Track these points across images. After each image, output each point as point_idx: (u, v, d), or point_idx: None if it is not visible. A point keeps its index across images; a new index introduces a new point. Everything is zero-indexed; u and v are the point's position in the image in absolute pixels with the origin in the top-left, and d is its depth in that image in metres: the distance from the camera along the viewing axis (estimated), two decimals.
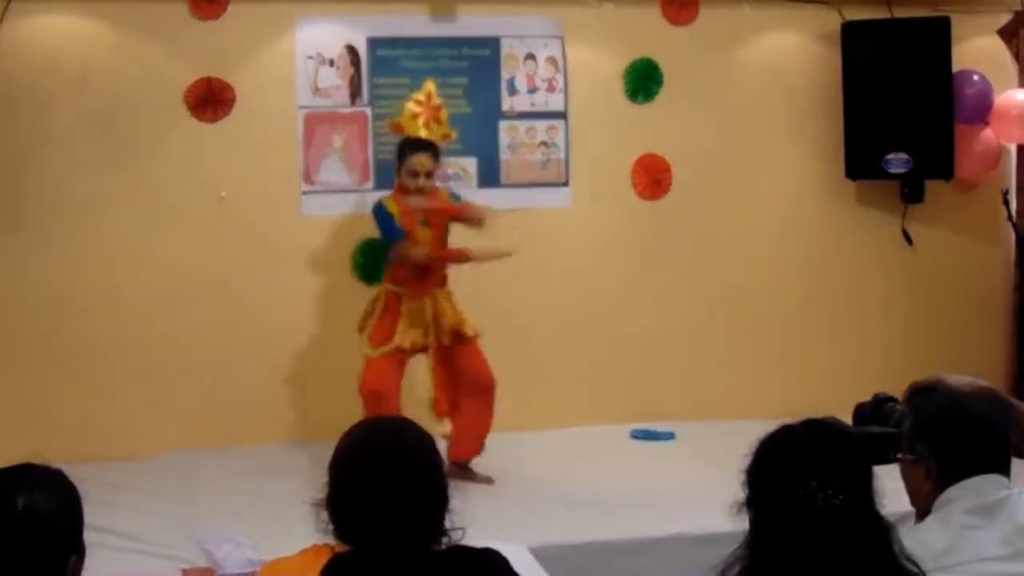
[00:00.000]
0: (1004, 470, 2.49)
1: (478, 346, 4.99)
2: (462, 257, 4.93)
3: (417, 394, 5.05)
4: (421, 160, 4.80)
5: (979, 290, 6.37)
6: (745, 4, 6.04)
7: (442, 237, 4.95)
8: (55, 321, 5.38)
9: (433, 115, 4.93)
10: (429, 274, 4.90)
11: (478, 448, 5.00)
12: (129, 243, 5.46)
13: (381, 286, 5.01)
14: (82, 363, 5.40)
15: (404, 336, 4.84)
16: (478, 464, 5.00)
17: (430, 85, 5.02)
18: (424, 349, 4.91)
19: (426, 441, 2.13)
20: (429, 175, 4.83)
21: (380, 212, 4.86)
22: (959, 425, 2.52)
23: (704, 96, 6.01)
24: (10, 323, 5.35)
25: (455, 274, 5.02)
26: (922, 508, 2.51)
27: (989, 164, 6.14)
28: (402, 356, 4.91)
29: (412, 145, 4.85)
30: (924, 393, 2.77)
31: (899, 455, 2.56)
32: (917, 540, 2.30)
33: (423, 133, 4.87)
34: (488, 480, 4.95)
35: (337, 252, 5.60)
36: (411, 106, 4.94)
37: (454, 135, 5.16)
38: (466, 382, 4.96)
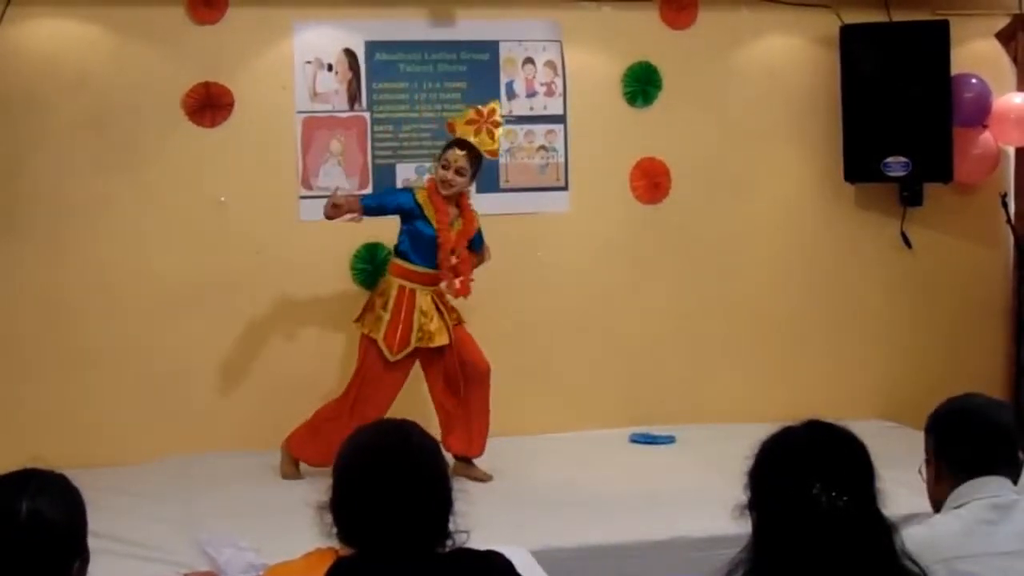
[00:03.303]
0: (1011, 476, 2.50)
1: (467, 332, 5.04)
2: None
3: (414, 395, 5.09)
4: (456, 154, 4.82)
5: (978, 293, 6.36)
6: (743, 7, 6.05)
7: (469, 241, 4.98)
8: (52, 325, 5.38)
9: (487, 128, 4.91)
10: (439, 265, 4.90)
11: (483, 444, 5.03)
12: (127, 248, 5.45)
13: (386, 280, 4.98)
14: (80, 367, 5.40)
15: (424, 336, 4.85)
16: (478, 462, 5.04)
17: (495, 105, 5.02)
18: (439, 348, 4.91)
19: (430, 444, 2.13)
20: (459, 172, 4.82)
21: (405, 193, 4.93)
22: (964, 427, 2.55)
23: (703, 99, 6.01)
24: (7, 327, 5.34)
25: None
26: (935, 507, 2.54)
27: (988, 167, 6.14)
28: (413, 358, 4.93)
29: (456, 141, 4.88)
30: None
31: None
32: (930, 532, 2.32)
33: (471, 138, 4.87)
34: (487, 477, 4.97)
35: (336, 257, 5.60)
36: (471, 112, 4.95)
37: (500, 155, 5.21)
38: (464, 367, 4.96)
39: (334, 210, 4.78)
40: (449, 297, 4.98)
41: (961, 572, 2.31)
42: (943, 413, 2.62)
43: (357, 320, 4.98)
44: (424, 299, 4.88)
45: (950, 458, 2.54)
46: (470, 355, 4.98)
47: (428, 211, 4.84)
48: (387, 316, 4.85)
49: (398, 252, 4.94)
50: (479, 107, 4.96)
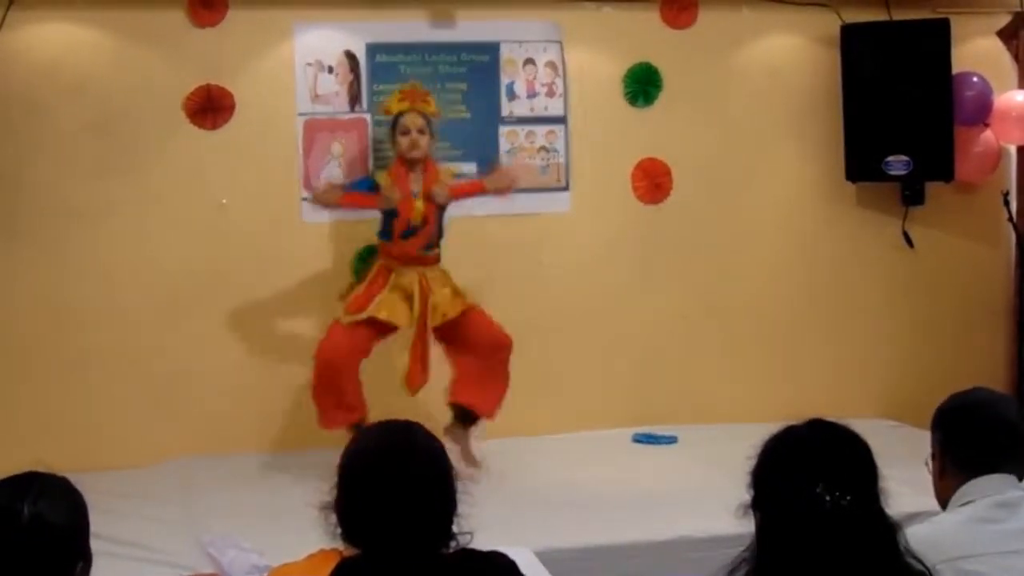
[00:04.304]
0: (1016, 472, 2.49)
1: (481, 313, 5.02)
2: (476, 188, 5.14)
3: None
4: (412, 118, 4.91)
5: (980, 292, 6.36)
6: (744, 7, 6.04)
7: (437, 210, 4.97)
8: (54, 328, 5.37)
9: (419, 96, 5.03)
10: (420, 248, 4.93)
11: (496, 408, 5.03)
12: (129, 251, 5.45)
13: (376, 262, 5.07)
14: (81, 371, 5.39)
15: (379, 307, 4.86)
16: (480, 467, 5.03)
17: (414, 82, 5.20)
18: (395, 329, 4.92)
19: (435, 444, 2.13)
20: (422, 132, 4.91)
21: (368, 179, 5.14)
22: (969, 422, 2.54)
23: (704, 99, 6.01)
24: (9, 330, 5.33)
25: (456, 271, 5.03)
26: (941, 504, 2.54)
27: (989, 166, 6.14)
28: (373, 329, 4.91)
29: (402, 111, 4.96)
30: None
31: None
32: (934, 531, 2.32)
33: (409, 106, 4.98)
34: (477, 462, 4.97)
35: (338, 258, 5.59)
36: (398, 93, 5.07)
37: (441, 114, 5.22)
38: (481, 348, 4.99)
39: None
40: (452, 285, 5.01)
41: (966, 572, 2.31)
42: (948, 408, 2.62)
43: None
44: (401, 278, 4.90)
45: (955, 454, 2.53)
46: (488, 335, 4.99)
47: (387, 187, 4.91)
48: (360, 289, 4.95)
49: (378, 235, 5.03)
50: (402, 87, 5.12)
